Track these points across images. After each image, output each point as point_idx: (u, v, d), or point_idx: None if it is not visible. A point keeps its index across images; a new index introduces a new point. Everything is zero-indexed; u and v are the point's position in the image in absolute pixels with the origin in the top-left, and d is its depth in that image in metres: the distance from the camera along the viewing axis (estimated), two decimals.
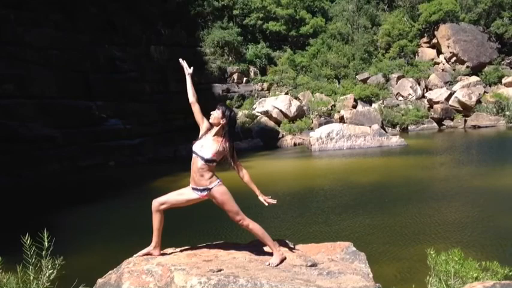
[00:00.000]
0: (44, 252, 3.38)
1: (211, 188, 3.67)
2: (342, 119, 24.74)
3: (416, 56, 32.59)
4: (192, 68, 4.02)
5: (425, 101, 27.96)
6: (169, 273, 3.23)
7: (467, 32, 31.23)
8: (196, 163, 3.67)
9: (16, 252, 3.42)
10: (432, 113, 27.01)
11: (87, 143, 18.37)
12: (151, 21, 24.13)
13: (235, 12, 31.97)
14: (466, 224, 8.50)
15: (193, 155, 3.70)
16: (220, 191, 3.67)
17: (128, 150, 19.54)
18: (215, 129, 3.72)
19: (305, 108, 25.96)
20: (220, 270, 3.25)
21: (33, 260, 3.29)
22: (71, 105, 18.61)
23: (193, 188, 3.73)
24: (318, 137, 20.20)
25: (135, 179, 15.39)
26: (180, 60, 4.09)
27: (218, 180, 3.69)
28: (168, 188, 4.17)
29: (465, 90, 27.35)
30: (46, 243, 3.37)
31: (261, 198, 3.73)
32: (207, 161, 3.63)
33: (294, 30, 32.69)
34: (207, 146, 3.67)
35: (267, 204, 3.74)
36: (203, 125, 3.80)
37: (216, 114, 3.69)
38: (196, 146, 3.71)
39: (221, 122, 3.68)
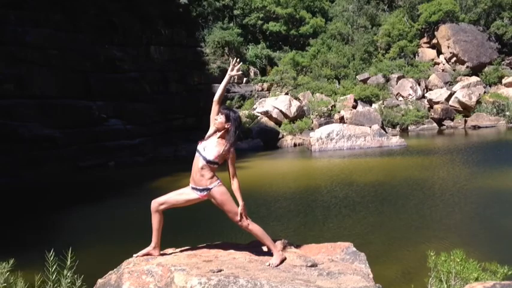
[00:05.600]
0: (65, 272, 3.44)
1: (211, 188, 3.67)
2: (342, 120, 24.74)
3: (416, 56, 32.58)
4: (234, 70, 3.97)
5: (426, 101, 27.96)
6: (170, 274, 3.23)
7: (467, 32, 31.22)
8: (198, 163, 3.68)
9: (16, 252, 3.41)
10: (432, 113, 27.00)
11: (87, 143, 18.34)
12: (151, 21, 24.09)
13: (235, 12, 32.00)
14: (466, 224, 8.50)
15: (196, 154, 3.71)
16: (220, 191, 3.67)
17: (127, 150, 19.51)
18: (221, 131, 3.72)
19: (305, 108, 25.94)
20: (220, 270, 3.25)
21: (54, 276, 3.38)
22: (71, 105, 18.58)
23: (192, 188, 3.73)
24: (318, 137, 20.19)
25: (135, 179, 15.37)
26: (232, 60, 4.05)
27: (218, 181, 3.69)
28: (168, 188, 4.17)
29: (465, 91, 27.36)
30: (69, 262, 3.44)
31: (240, 209, 3.67)
32: (208, 162, 3.64)
33: (294, 29, 32.69)
34: (210, 147, 3.68)
35: (239, 218, 3.68)
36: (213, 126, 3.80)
37: (220, 119, 3.70)
38: (201, 146, 3.72)
39: (225, 126, 3.69)
